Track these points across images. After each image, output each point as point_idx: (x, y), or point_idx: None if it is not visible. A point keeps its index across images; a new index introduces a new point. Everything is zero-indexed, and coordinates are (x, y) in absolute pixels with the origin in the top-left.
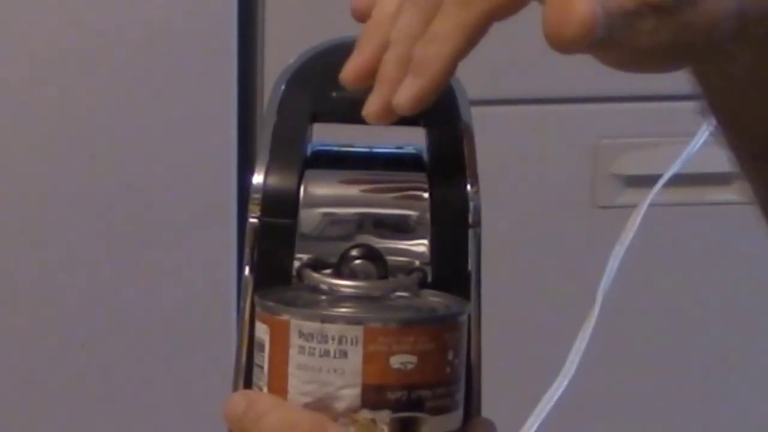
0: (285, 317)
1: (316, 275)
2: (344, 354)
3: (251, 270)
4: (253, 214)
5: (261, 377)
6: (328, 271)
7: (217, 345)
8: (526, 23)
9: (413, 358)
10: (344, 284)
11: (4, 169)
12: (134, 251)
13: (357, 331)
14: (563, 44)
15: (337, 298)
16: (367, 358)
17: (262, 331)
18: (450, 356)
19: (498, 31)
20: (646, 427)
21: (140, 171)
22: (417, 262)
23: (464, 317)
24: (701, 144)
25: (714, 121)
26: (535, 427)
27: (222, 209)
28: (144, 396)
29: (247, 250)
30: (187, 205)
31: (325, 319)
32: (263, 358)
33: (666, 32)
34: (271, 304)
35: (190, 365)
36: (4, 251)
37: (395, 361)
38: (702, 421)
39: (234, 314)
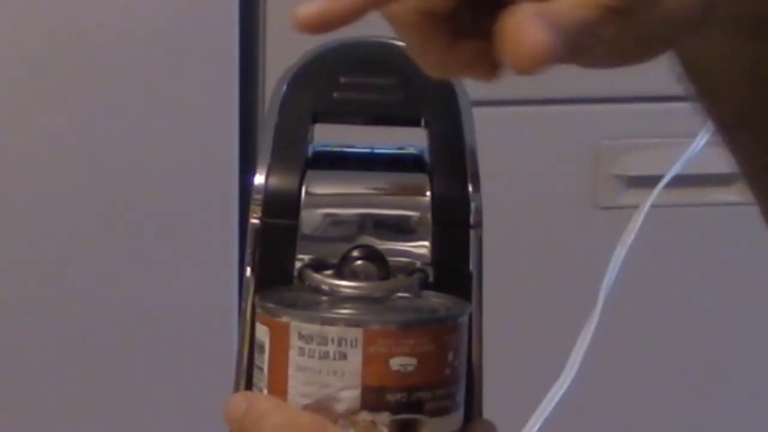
0: (285, 319)
1: (317, 276)
2: (344, 356)
3: (252, 271)
4: (255, 215)
5: (261, 378)
6: (329, 272)
7: (218, 346)
8: None
9: (413, 360)
10: (345, 285)
11: (5, 169)
12: (135, 252)
13: (356, 333)
14: (524, 72)
15: (337, 299)
16: (367, 360)
17: (262, 333)
18: (450, 357)
19: None
20: (647, 427)
21: (142, 172)
22: (418, 263)
23: (464, 318)
24: (702, 145)
25: (690, 90)
26: (537, 427)
27: (223, 210)
28: (145, 396)
29: (248, 251)
30: (189, 206)
31: (324, 321)
32: (263, 360)
33: (631, 32)
34: (271, 305)
35: (191, 366)
36: (4, 251)
37: (395, 363)
38: (702, 421)
39: (235, 315)
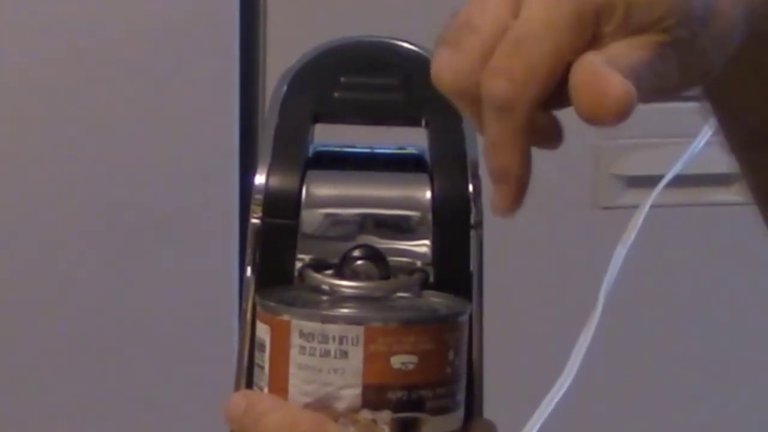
0: (286, 317)
1: (318, 276)
2: (345, 354)
3: (253, 270)
4: (255, 215)
5: (262, 377)
6: (330, 271)
7: (218, 345)
8: None
9: (414, 358)
10: (346, 285)
11: (5, 170)
12: (136, 252)
13: (358, 331)
14: (603, 124)
15: (338, 298)
16: (368, 358)
17: (263, 331)
18: (451, 356)
19: None
20: (647, 427)
21: (142, 172)
22: (419, 263)
23: (465, 317)
24: (703, 145)
25: (710, 110)
26: (537, 427)
27: (224, 210)
28: (146, 396)
29: (249, 251)
30: (190, 206)
31: (325, 320)
32: (264, 358)
33: (689, 61)
34: (272, 304)
35: (192, 365)
36: (4, 251)
37: (396, 361)
38: (703, 421)
39: (235, 315)
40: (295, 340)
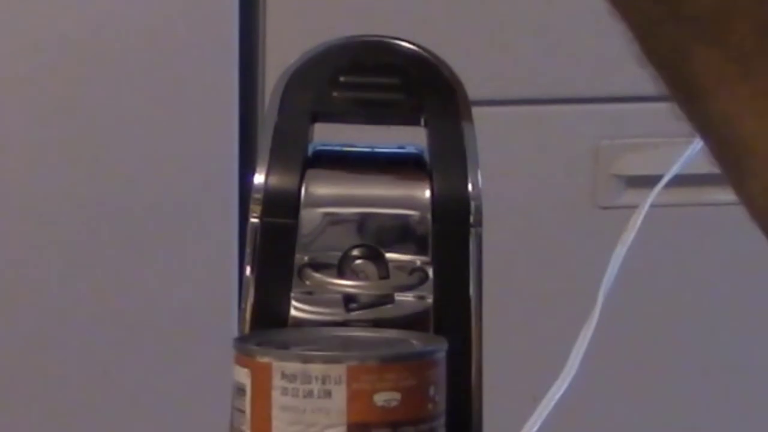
0: (267, 359)
1: (317, 275)
2: (328, 393)
3: (252, 270)
4: (254, 214)
5: (243, 422)
6: (329, 271)
7: (217, 345)
8: (527, 24)
9: (397, 395)
10: (346, 284)
11: (4, 170)
12: (135, 251)
13: (340, 370)
14: None
15: (319, 337)
16: (351, 397)
17: (242, 375)
18: (432, 392)
19: (500, 31)
20: (647, 427)
21: (141, 171)
22: (418, 262)
23: (443, 353)
24: (703, 145)
25: None
26: (536, 428)
27: (223, 209)
28: (143, 396)
29: (248, 250)
30: (189, 205)
31: (307, 360)
32: (244, 403)
33: None
34: (252, 347)
35: (190, 365)
36: (3, 251)
37: (379, 399)
38: (702, 421)
39: (235, 315)
40: (277, 381)
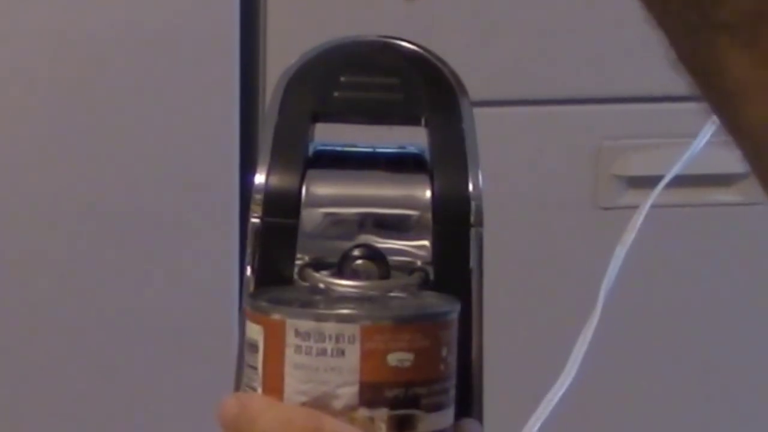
0: (280, 317)
1: (317, 275)
2: (341, 352)
3: (252, 270)
4: (255, 214)
5: (255, 378)
6: (329, 271)
7: (218, 345)
8: (528, 24)
9: (410, 356)
10: (346, 284)
11: (5, 170)
12: (136, 251)
13: (354, 329)
14: None
15: (332, 297)
16: (365, 356)
17: (254, 332)
18: (444, 353)
19: (501, 32)
20: (647, 427)
21: (142, 171)
22: (418, 262)
23: (455, 315)
24: (703, 145)
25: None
26: (537, 427)
27: (224, 209)
28: (144, 396)
29: (248, 251)
30: (189, 205)
31: (321, 318)
32: (257, 359)
33: None
34: (265, 304)
35: (191, 365)
36: (4, 251)
37: (392, 359)
38: (702, 421)
39: (235, 315)
40: (291, 339)
